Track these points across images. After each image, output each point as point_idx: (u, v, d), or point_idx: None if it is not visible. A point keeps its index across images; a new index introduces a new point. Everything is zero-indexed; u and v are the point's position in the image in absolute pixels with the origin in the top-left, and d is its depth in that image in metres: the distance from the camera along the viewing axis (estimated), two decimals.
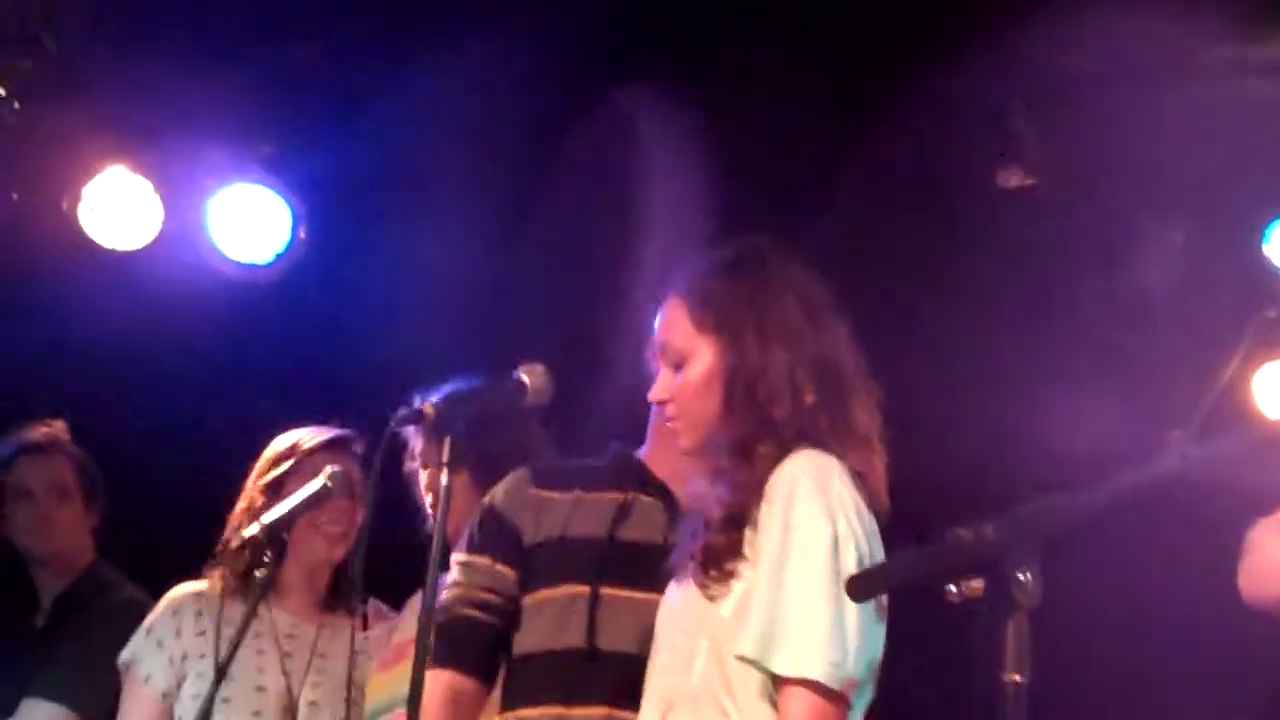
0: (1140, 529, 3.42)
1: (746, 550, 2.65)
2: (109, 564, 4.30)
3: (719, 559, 2.66)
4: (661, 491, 3.06)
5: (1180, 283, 4.69)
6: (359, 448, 3.89)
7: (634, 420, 3.19)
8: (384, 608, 3.91)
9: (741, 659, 2.60)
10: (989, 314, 4.64)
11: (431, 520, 3.64)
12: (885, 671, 2.67)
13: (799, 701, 2.56)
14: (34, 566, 4.34)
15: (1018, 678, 2.02)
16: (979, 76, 4.35)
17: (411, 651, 3.54)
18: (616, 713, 2.90)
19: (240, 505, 3.84)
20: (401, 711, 3.49)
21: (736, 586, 2.65)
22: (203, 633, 3.78)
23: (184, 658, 3.77)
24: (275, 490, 3.79)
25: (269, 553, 3.40)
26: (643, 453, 3.16)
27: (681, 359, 2.80)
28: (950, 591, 2.07)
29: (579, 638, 2.94)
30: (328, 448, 3.84)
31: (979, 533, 2.06)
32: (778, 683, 2.59)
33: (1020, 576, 2.05)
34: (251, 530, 3.43)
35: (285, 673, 3.69)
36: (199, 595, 3.83)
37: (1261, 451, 2.53)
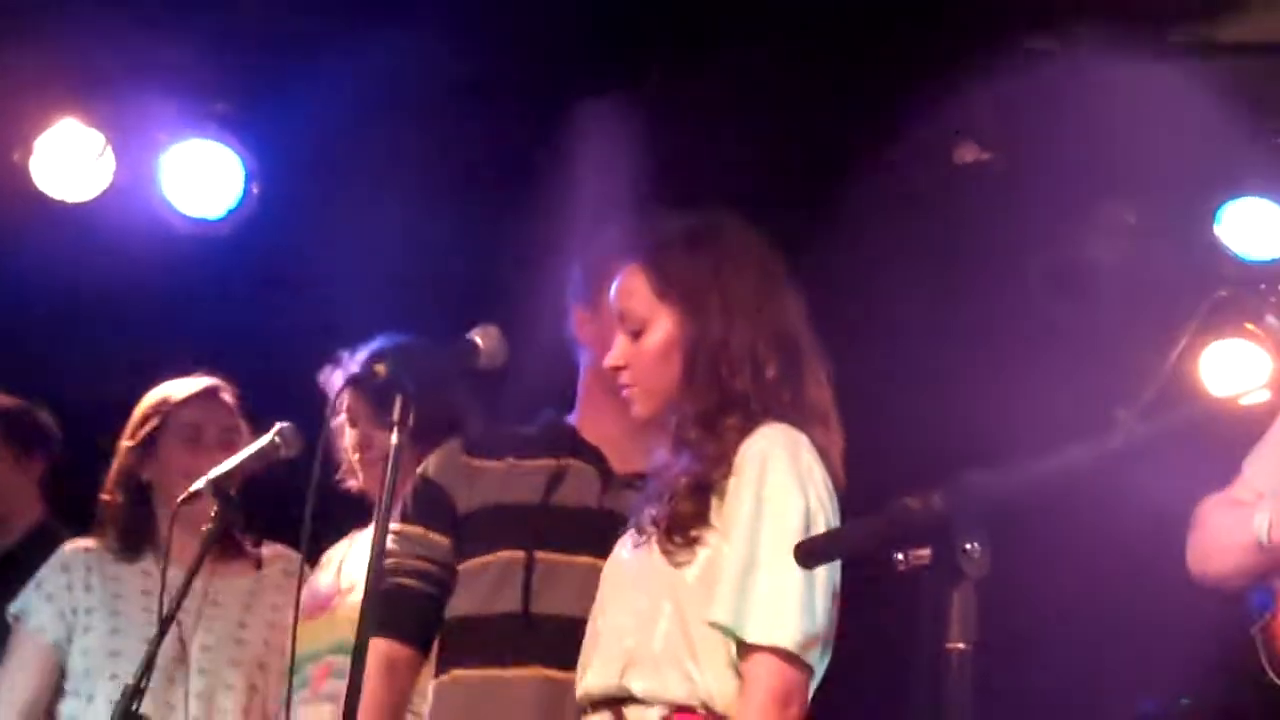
0: (1088, 505, 3.45)
1: (713, 518, 2.67)
2: (60, 520, 4.27)
3: (685, 525, 2.67)
4: (594, 457, 3.09)
5: (1131, 261, 4.72)
6: (229, 396, 3.91)
7: (556, 386, 3.21)
8: (279, 548, 3.94)
9: (714, 625, 2.62)
10: (939, 289, 4.67)
11: (360, 477, 3.68)
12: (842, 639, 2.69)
13: (765, 669, 2.58)
14: None
15: (962, 646, 2.03)
16: (938, 53, 4.37)
17: (334, 604, 3.60)
18: (551, 673, 2.95)
19: (114, 464, 3.85)
20: (327, 661, 3.53)
21: (701, 553, 2.66)
22: (89, 588, 3.84)
23: (74, 612, 3.83)
24: (147, 446, 3.83)
25: (215, 507, 3.41)
26: (573, 418, 3.18)
27: (640, 326, 2.80)
28: (898, 560, 2.08)
29: (514, 602, 2.98)
30: (197, 400, 3.89)
31: (926, 502, 2.07)
32: (744, 650, 2.61)
33: (967, 546, 2.06)
34: (198, 486, 3.42)
35: (177, 622, 3.72)
36: (88, 551, 3.89)
37: (1207, 429, 2.55)
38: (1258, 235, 4.50)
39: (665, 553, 2.68)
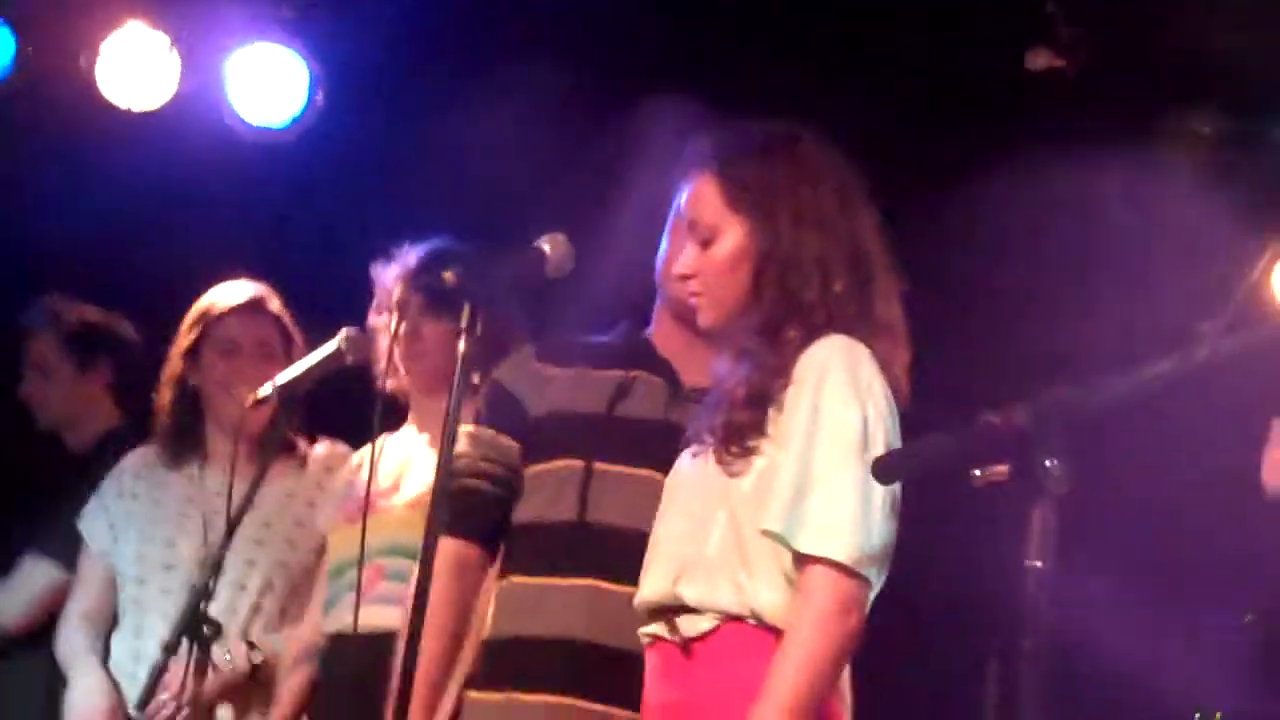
0: (1170, 419, 3.42)
1: (770, 429, 2.66)
2: (134, 427, 4.30)
3: (742, 435, 2.66)
4: (665, 370, 3.09)
5: (1208, 172, 4.64)
6: (274, 306, 3.93)
7: (629, 300, 3.20)
8: (328, 445, 3.99)
9: (766, 533, 2.61)
10: (1014, 202, 4.60)
11: (400, 374, 3.66)
12: (908, 555, 2.68)
13: (821, 580, 2.57)
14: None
15: (1040, 564, 2.01)
16: None
17: (379, 505, 3.61)
18: (602, 584, 2.96)
19: (164, 371, 3.88)
20: (377, 565, 3.55)
21: (757, 463, 2.65)
22: (135, 496, 3.94)
23: (116, 522, 3.93)
24: (192, 355, 3.86)
25: (281, 413, 3.44)
26: (649, 331, 3.18)
27: (710, 235, 2.78)
28: (975, 476, 2.06)
29: (570, 511, 2.99)
30: (237, 312, 3.93)
31: (1008, 418, 2.05)
32: (798, 561, 2.60)
33: (1047, 463, 2.04)
34: (265, 391, 3.45)
35: (207, 527, 3.72)
36: (141, 459, 3.97)
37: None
38: None
39: (721, 462, 2.68)
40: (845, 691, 2.95)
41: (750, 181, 2.76)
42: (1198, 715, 5.93)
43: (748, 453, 2.65)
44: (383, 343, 3.60)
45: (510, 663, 3.02)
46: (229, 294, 3.96)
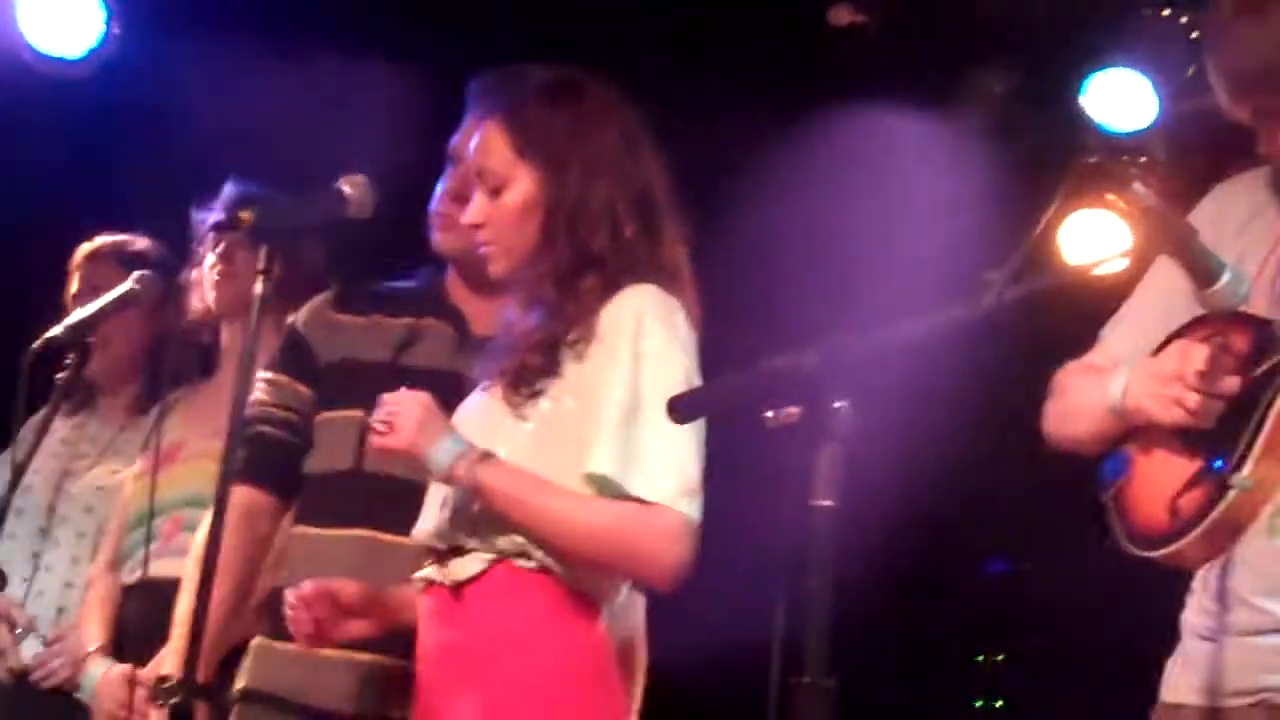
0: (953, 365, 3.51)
1: (568, 375, 2.66)
2: None
3: (532, 378, 2.66)
4: (454, 317, 3.09)
5: (999, 130, 4.76)
6: (114, 253, 3.85)
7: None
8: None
9: (592, 477, 2.61)
10: (812, 153, 4.67)
11: (214, 306, 3.67)
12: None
13: (655, 519, 2.59)
14: None
15: (827, 503, 2.06)
16: None
17: (180, 456, 3.58)
18: (378, 535, 2.96)
19: None
20: (175, 516, 3.51)
21: (544, 405, 2.66)
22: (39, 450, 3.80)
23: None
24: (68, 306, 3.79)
25: (71, 356, 3.36)
26: (448, 276, 3.18)
27: (499, 184, 2.76)
28: (768, 417, 2.10)
29: (349, 461, 2.99)
30: (85, 261, 3.92)
31: (797, 360, 2.09)
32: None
33: (836, 405, 2.08)
34: (54, 332, 3.38)
35: (64, 473, 3.67)
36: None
37: (1070, 295, 2.59)
38: (1123, 106, 4.55)
39: (508, 403, 2.67)
40: (639, 650, 3.01)
41: (538, 129, 2.74)
42: (980, 659, 6.14)
43: (535, 395, 2.66)
44: (197, 293, 3.61)
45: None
46: (89, 245, 3.93)
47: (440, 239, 3.12)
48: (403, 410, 2.66)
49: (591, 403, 2.63)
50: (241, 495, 3.00)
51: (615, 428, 2.61)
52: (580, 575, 2.63)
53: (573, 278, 2.70)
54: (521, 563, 2.62)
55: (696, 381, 2.64)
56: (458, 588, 2.65)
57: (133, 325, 3.84)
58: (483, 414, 2.72)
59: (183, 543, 3.46)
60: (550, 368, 2.66)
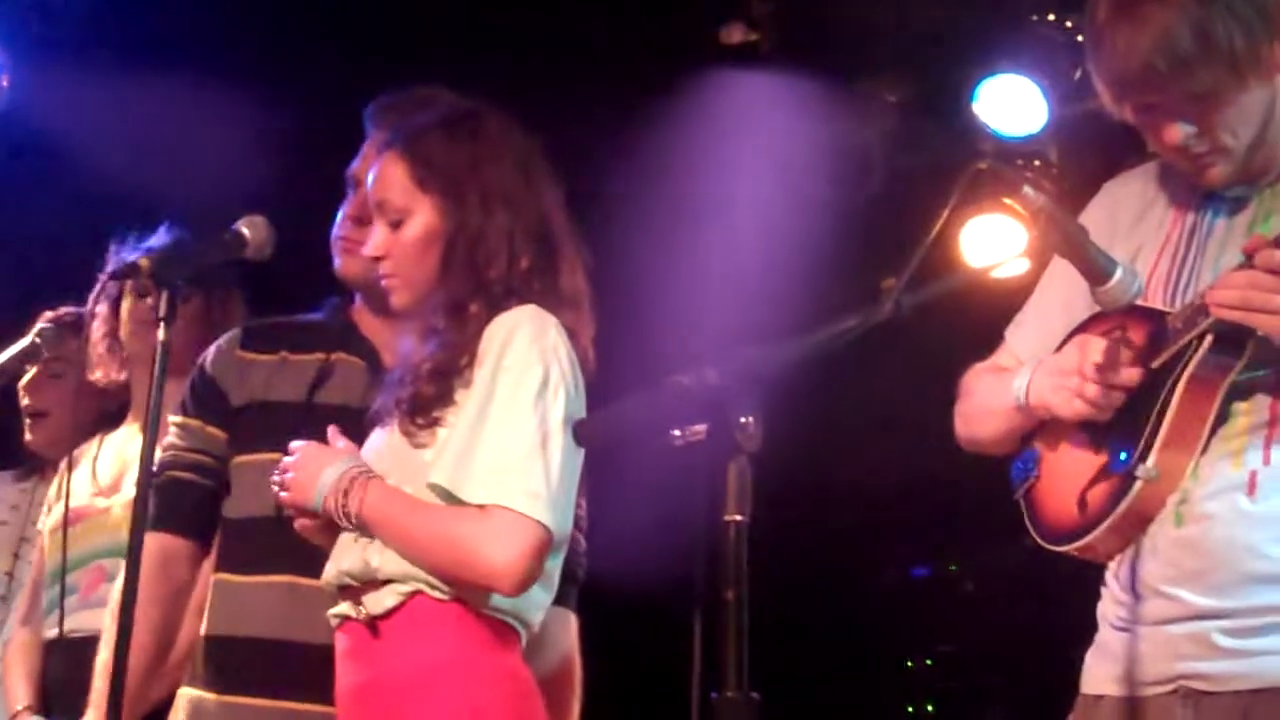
0: (863, 373, 3.54)
1: (458, 400, 2.65)
2: None
3: (428, 407, 2.66)
4: (365, 350, 3.06)
5: (895, 139, 4.81)
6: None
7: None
8: None
9: (432, 488, 2.60)
10: (709, 170, 4.70)
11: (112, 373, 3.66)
12: (611, 517, 2.72)
13: (502, 522, 2.56)
14: None
15: (739, 518, 2.06)
16: None
17: (89, 513, 3.55)
18: (300, 580, 2.91)
19: None
20: (98, 566, 3.48)
21: (441, 434, 2.65)
22: None
23: None
24: None
25: None
26: (356, 308, 3.15)
27: (400, 217, 2.76)
28: (675, 436, 2.10)
29: (269, 506, 2.92)
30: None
31: (702, 377, 2.10)
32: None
33: (742, 420, 2.09)
34: None
35: (20, 540, 3.67)
36: None
37: (969, 299, 2.62)
38: (1013, 111, 4.61)
39: (406, 434, 2.67)
40: (573, 670, 3.01)
41: (437, 160, 2.75)
42: (909, 664, 6.18)
43: (433, 424, 2.65)
44: (95, 341, 3.57)
45: (225, 663, 2.97)
46: None
47: (343, 264, 3.10)
48: (296, 463, 2.68)
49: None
50: (157, 543, 2.96)
51: (460, 440, 2.61)
52: (496, 603, 2.62)
53: (463, 305, 2.70)
54: (437, 594, 2.61)
55: (559, 394, 2.63)
56: (373, 623, 2.63)
57: (66, 394, 3.80)
58: (385, 452, 2.71)
59: (105, 594, 3.43)
60: (445, 396, 2.65)
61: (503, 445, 2.59)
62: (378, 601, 2.63)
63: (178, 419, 3.08)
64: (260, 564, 2.97)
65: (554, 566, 2.70)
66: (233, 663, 2.96)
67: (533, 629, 2.70)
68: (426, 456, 2.64)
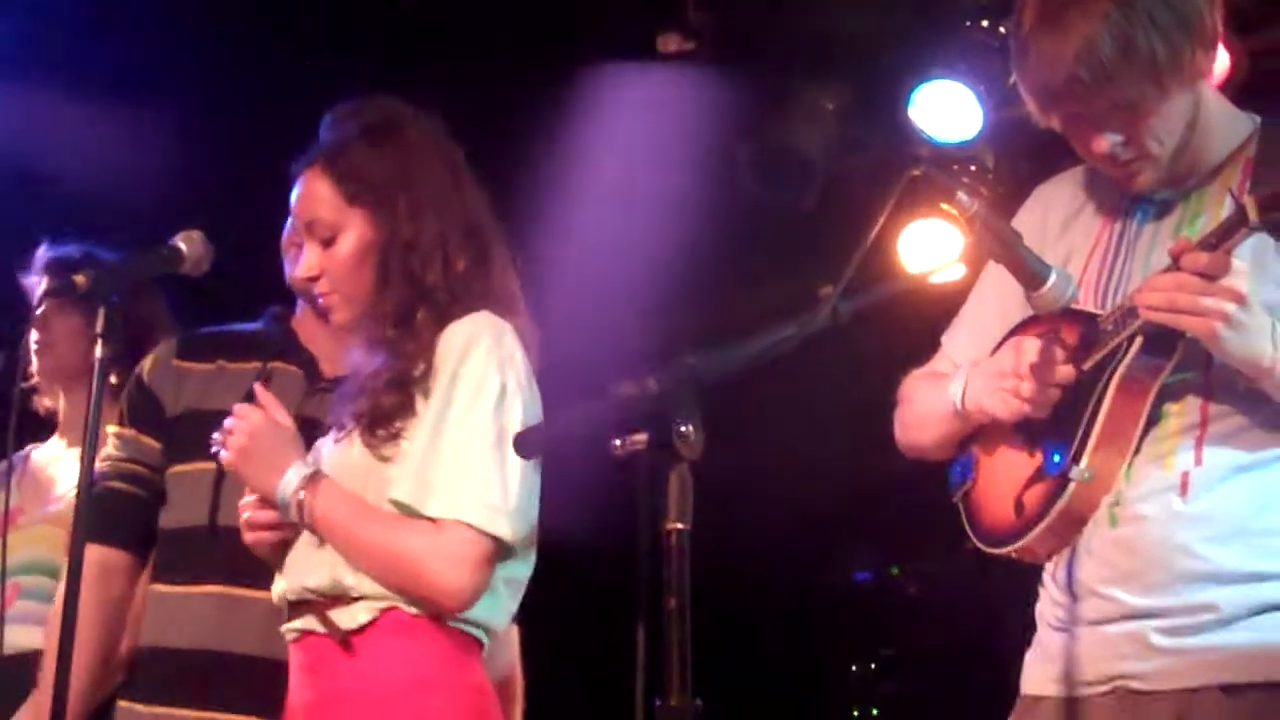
0: (802, 380, 3.54)
1: (419, 410, 2.65)
2: None
3: (388, 418, 2.65)
4: (303, 359, 3.05)
5: (832, 146, 4.83)
6: None
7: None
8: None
9: (394, 503, 2.60)
10: (651, 177, 4.71)
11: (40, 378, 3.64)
12: (553, 525, 2.72)
13: (450, 537, 2.57)
14: None
15: (680, 526, 2.07)
16: None
17: (18, 521, 3.53)
18: (232, 590, 2.91)
19: None
20: (14, 582, 3.45)
21: (404, 447, 2.65)
22: None
23: None
24: None
25: None
26: (296, 318, 3.14)
27: (331, 234, 2.75)
28: (615, 445, 2.11)
29: (202, 515, 2.94)
30: None
31: (642, 386, 2.10)
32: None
33: (682, 428, 2.10)
34: None
35: None
36: None
37: (907, 304, 2.65)
38: (949, 117, 4.64)
39: (369, 446, 2.66)
40: (516, 681, 3.01)
41: (363, 173, 2.73)
42: (853, 668, 6.20)
43: (395, 435, 2.65)
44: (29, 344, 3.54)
45: (156, 674, 2.97)
46: None
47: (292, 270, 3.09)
48: (249, 426, 2.66)
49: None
50: (94, 555, 2.92)
51: (420, 453, 2.61)
52: (466, 615, 2.62)
53: (410, 314, 2.69)
54: (410, 609, 2.61)
55: (515, 404, 2.63)
56: (346, 638, 2.62)
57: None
58: (345, 464, 2.69)
59: (22, 609, 3.40)
60: (405, 406, 2.65)
61: (461, 457, 2.59)
62: (350, 617, 2.63)
63: (114, 429, 3.07)
64: (192, 573, 2.96)
65: (524, 573, 2.71)
66: (162, 673, 2.95)
67: (496, 636, 2.71)
68: (390, 471, 2.64)
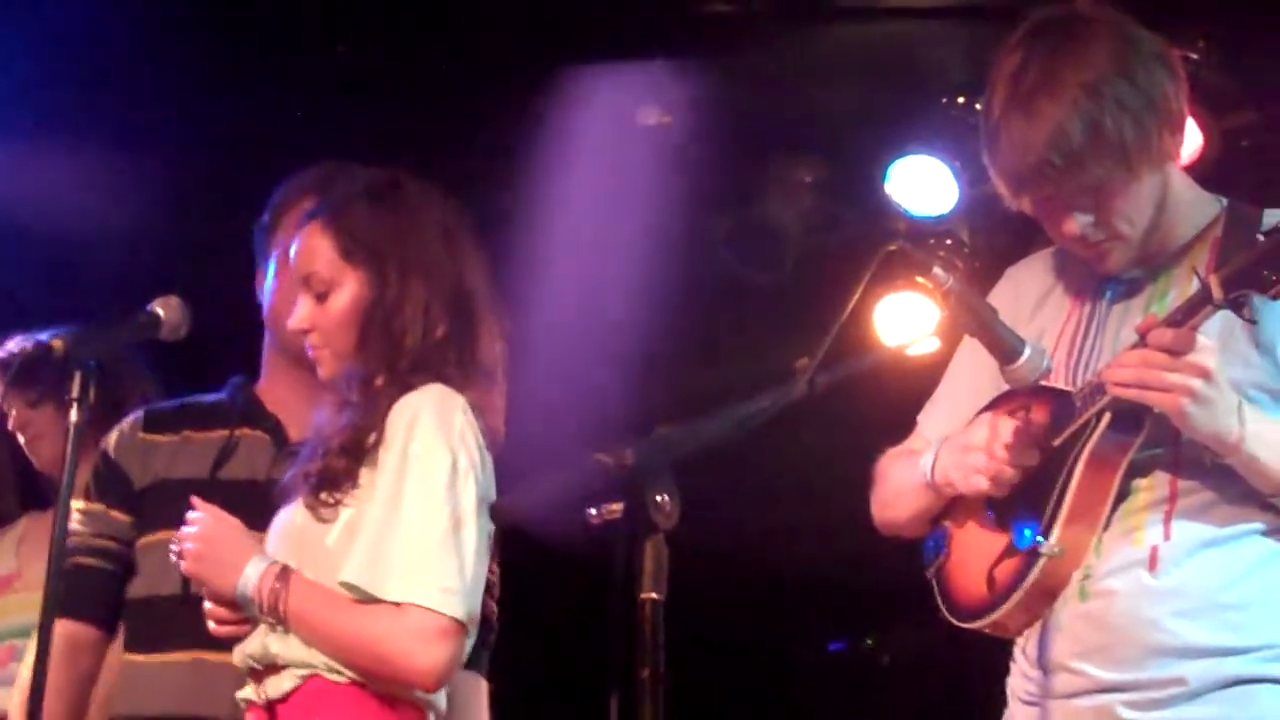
0: (778, 452, 3.56)
1: (363, 481, 2.65)
2: None
3: (335, 483, 2.66)
4: (270, 424, 3.06)
5: (808, 219, 4.86)
6: None
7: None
8: None
9: (345, 585, 2.60)
10: (627, 250, 4.74)
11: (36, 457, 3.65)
12: (528, 595, 2.73)
13: (417, 618, 2.57)
14: None
15: (655, 596, 2.08)
16: (624, 16, 4.43)
17: (16, 585, 3.53)
18: (206, 656, 2.91)
19: None
20: (9, 645, 3.44)
21: (344, 514, 2.65)
22: None
23: None
24: None
25: None
26: (260, 385, 3.15)
27: (326, 288, 2.77)
28: (591, 514, 2.13)
29: (174, 584, 2.93)
30: None
31: (618, 456, 2.12)
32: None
33: (658, 499, 2.11)
34: None
35: None
36: None
37: (882, 378, 2.67)
38: (925, 192, 4.68)
39: (310, 508, 2.67)
40: None
41: (361, 232, 2.76)
42: None
43: (337, 503, 2.65)
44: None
45: None
46: None
47: (277, 336, 3.10)
48: (199, 533, 2.68)
49: (368, 508, 2.63)
50: (63, 630, 2.92)
51: (373, 535, 2.60)
52: (397, 690, 2.61)
53: (370, 378, 2.70)
54: (333, 676, 2.61)
55: (468, 479, 2.63)
56: (271, 707, 2.63)
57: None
58: (287, 530, 2.71)
59: (13, 672, 3.39)
60: (352, 472, 2.65)
61: (416, 539, 2.59)
62: (276, 685, 2.63)
63: (80, 505, 3.06)
64: (165, 642, 2.96)
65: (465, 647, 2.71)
66: None
67: (440, 711, 2.69)
68: (329, 538, 2.64)
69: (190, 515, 2.73)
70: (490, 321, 2.80)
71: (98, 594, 3.04)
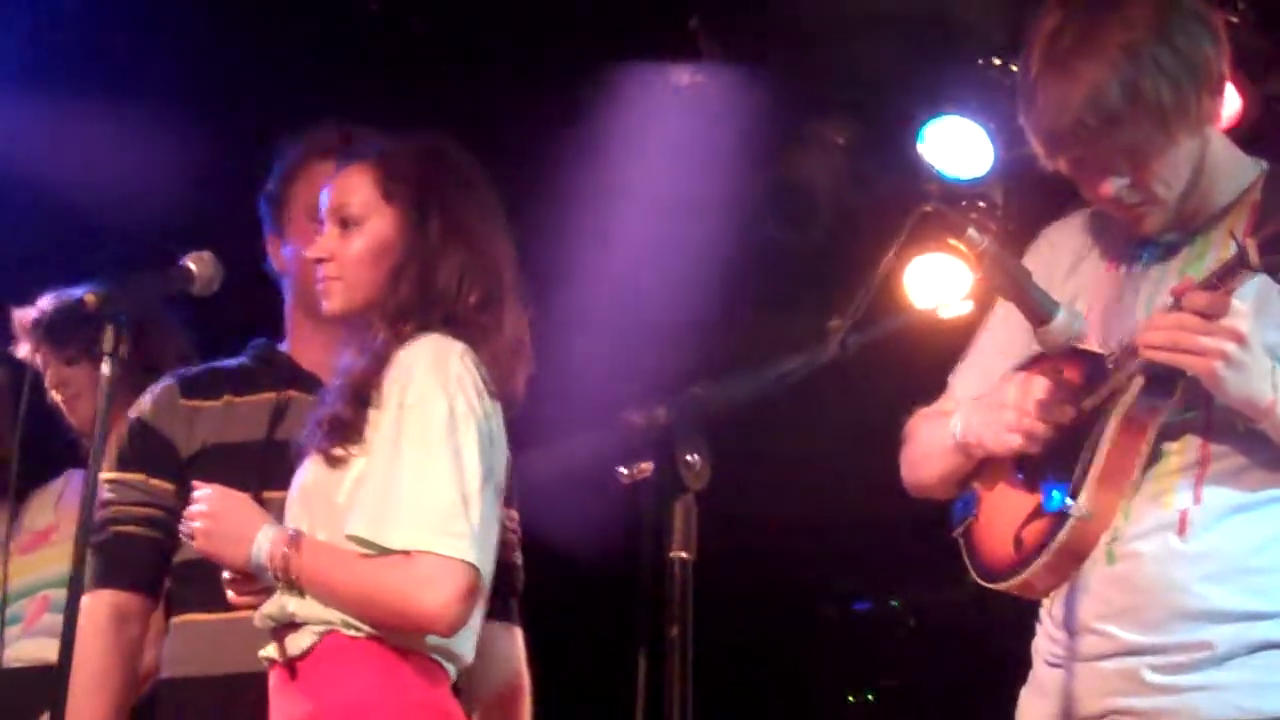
0: (809, 412, 3.56)
1: (367, 430, 2.66)
2: None
3: (343, 432, 2.66)
4: (313, 385, 3.05)
5: (841, 181, 4.85)
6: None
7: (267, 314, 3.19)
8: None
9: (352, 538, 2.61)
10: (661, 211, 4.74)
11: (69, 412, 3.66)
12: (558, 553, 2.74)
13: (426, 564, 2.57)
14: None
15: (685, 555, 2.09)
16: None
17: (53, 539, 3.54)
18: None
19: None
20: (44, 595, 3.47)
21: (354, 468, 2.65)
22: None
23: None
24: None
25: None
26: (285, 345, 3.16)
27: (357, 221, 2.76)
28: (621, 473, 2.13)
29: None
30: None
31: (649, 416, 2.13)
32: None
33: (688, 458, 2.12)
34: None
35: None
36: None
37: (913, 336, 2.67)
38: (959, 154, 4.66)
39: (324, 455, 2.67)
40: (520, 692, 3.02)
41: (407, 175, 2.76)
42: (850, 699, 6.21)
43: (346, 455, 2.65)
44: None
45: (197, 703, 2.98)
46: None
47: (294, 285, 3.11)
48: (207, 510, 2.70)
49: (370, 461, 2.64)
50: (110, 599, 2.97)
51: (374, 486, 2.61)
52: (418, 641, 2.63)
53: (401, 322, 2.70)
54: (350, 632, 2.62)
55: (468, 426, 2.62)
56: (291, 664, 2.65)
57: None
58: (306, 483, 2.72)
59: (48, 624, 3.43)
60: (360, 422, 2.65)
61: (419, 487, 2.59)
62: (295, 643, 2.65)
63: (113, 475, 3.05)
64: (227, 602, 2.92)
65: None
66: (214, 701, 2.95)
67: (463, 663, 2.71)
68: (339, 495, 2.64)
69: (195, 494, 2.74)
70: (516, 303, 2.80)
71: (142, 562, 3.04)
